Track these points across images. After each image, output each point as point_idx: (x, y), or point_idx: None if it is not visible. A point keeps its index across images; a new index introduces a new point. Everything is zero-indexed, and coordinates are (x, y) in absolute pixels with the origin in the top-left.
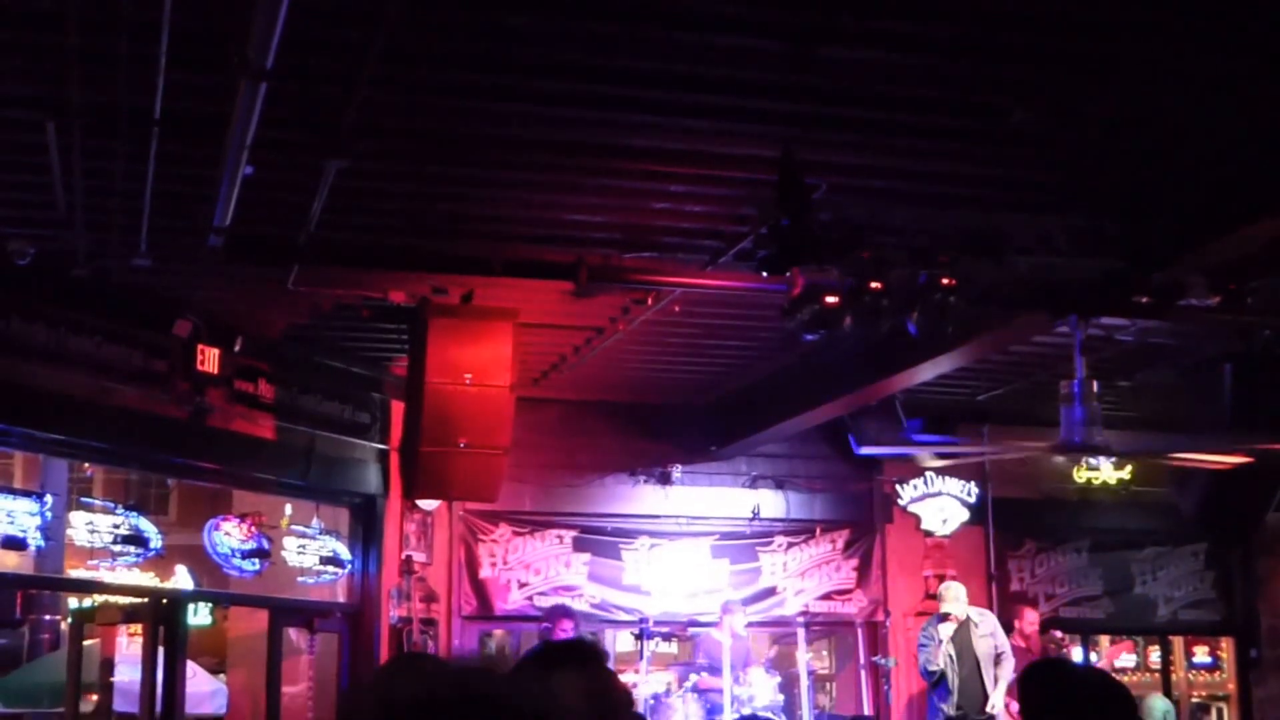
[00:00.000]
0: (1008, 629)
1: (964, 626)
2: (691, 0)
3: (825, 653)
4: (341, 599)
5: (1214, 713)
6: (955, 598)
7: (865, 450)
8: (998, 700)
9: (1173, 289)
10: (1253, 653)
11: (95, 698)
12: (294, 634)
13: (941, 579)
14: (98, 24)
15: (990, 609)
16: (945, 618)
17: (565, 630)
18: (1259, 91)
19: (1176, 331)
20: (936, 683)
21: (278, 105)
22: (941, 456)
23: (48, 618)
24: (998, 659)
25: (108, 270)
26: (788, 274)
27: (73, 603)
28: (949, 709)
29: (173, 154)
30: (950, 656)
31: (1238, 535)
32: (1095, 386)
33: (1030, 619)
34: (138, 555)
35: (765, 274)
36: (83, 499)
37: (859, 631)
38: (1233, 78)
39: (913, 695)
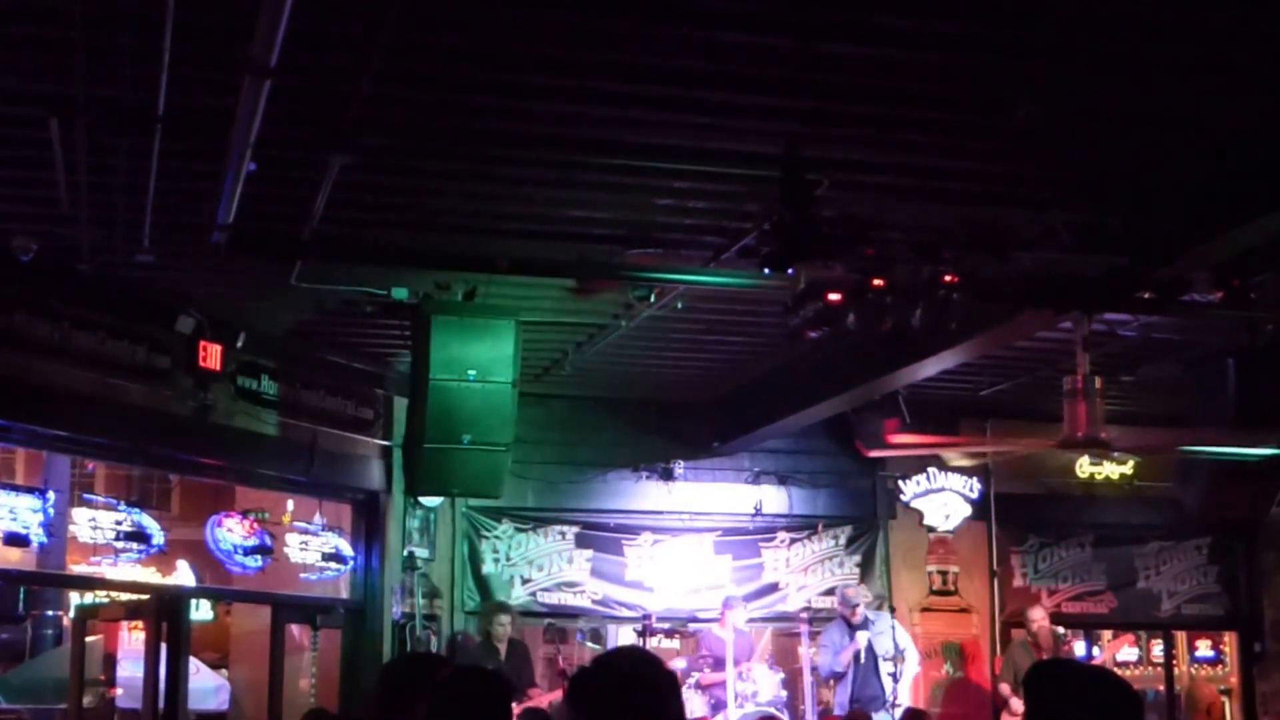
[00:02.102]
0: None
1: (863, 626)
2: None
3: None
4: (344, 595)
5: None
6: (863, 594)
7: (868, 447)
8: (904, 691)
9: (1176, 284)
10: (1256, 647)
11: (98, 694)
12: (296, 630)
13: (944, 575)
14: (101, 20)
15: (992, 604)
16: (849, 619)
17: (501, 625)
18: (1263, 87)
19: (1180, 327)
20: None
21: (281, 101)
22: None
23: (50, 613)
24: (898, 656)
25: (111, 266)
26: (791, 270)
27: (75, 599)
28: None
29: (176, 150)
30: (857, 655)
31: (1242, 530)
32: (1099, 382)
33: (1038, 616)
34: (140, 551)
35: (768, 270)
36: (85, 495)
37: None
38: (1237, 73)
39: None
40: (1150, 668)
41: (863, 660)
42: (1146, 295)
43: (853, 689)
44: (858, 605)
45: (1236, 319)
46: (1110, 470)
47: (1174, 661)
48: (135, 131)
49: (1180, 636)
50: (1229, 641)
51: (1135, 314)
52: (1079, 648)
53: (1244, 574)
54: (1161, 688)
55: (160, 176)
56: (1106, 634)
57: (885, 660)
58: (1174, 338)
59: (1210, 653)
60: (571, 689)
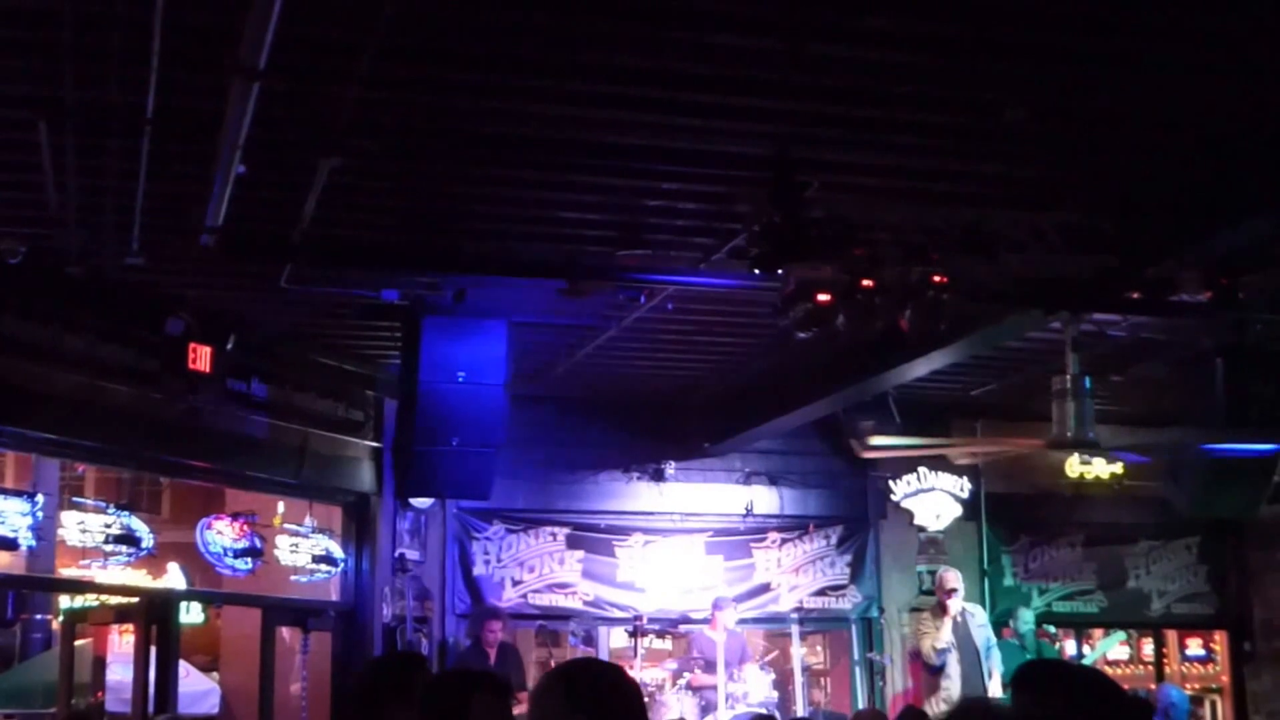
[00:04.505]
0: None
1: (961, 617)
2: None
3: (820, 648)
4: (335, 598)
5: (1207, 706)
6: (957, 579)
7: (858, 446)
8: (995, 690)
9: (1165, 284)
10: (1246, 646)
11: (88, 697)
12: (287, 633)
13: (935, 575)
14: (90, 22)
15: (984, 604)
16: (945, 608)
17: (493, 631)
18: (1251, 87)
19: (1169, 326)
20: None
21: (271, 104)
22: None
23: (40, 617)
24: (988, 651)
25: (100, 269)
26: (780, 271)
27: (65, 602)
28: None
29: (165, 152)
30: (951, 646)
31: (1231, 529)
32: (1088, 382)
33: (1027, 618)
34: (130, 554)
35: (758, 272)
36: (74, 498)
37: (853, 628)
38: (1225, 73)
39: (907, 690)
40: (1141, 667)
41: (962, 651)
42: (1135, 295)
43: (956, 682)
44: (954, 589)
45: (1225, 319)
46: (1100, 470)
47: (1164, 661)
48: (124, 134)
49: (1171, 636)
50: (1219, 640)
51: (1124, 314)
52: (1069, 647)
53: (1233, 573)
54: (1153, 686)
55: (149, 179)
56: (1097, 633)
57: (986, 654)
58: (1163, 338)
59: (1201, 652)
60: (541, 694)
